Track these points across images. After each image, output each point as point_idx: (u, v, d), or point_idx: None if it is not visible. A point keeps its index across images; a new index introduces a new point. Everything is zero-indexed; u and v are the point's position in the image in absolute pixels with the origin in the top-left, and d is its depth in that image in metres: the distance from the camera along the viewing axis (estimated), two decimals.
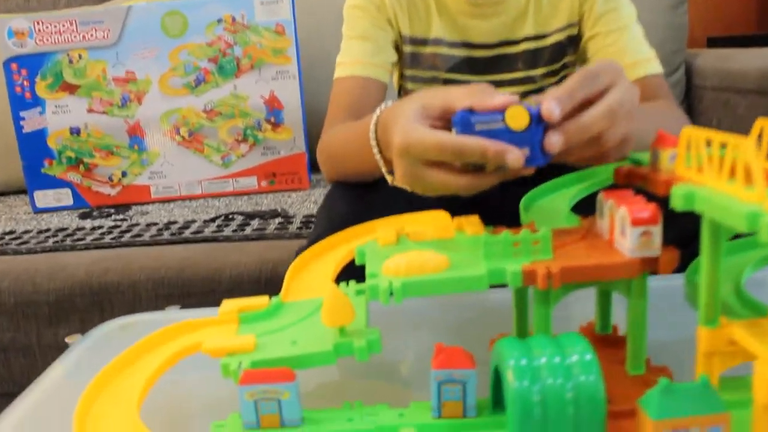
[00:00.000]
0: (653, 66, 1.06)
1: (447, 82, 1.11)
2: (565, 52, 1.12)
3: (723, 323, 0.46)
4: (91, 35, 1.61)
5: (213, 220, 1.43)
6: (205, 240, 1.29)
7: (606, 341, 0.57)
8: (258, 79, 1.62)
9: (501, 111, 0.57)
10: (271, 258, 1.18)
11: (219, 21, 1.60)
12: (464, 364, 0.45)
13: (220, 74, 1.62)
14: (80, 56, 1.62)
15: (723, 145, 0.44)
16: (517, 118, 0.57)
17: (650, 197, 0.49)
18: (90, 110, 1.63)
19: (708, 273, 0.45)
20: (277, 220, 1.38)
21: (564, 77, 1.12)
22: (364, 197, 0.91)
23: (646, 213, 0.46)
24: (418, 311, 0.74)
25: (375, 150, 0.80)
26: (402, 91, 1.18)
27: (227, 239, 1.29)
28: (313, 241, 0.92)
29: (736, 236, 0.56)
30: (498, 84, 1.08)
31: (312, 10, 1.83)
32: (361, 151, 0.83)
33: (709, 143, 0.46)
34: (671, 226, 0.51)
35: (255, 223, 1.37)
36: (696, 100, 1.90)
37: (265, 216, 1.42)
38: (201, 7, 1.60)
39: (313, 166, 1.71)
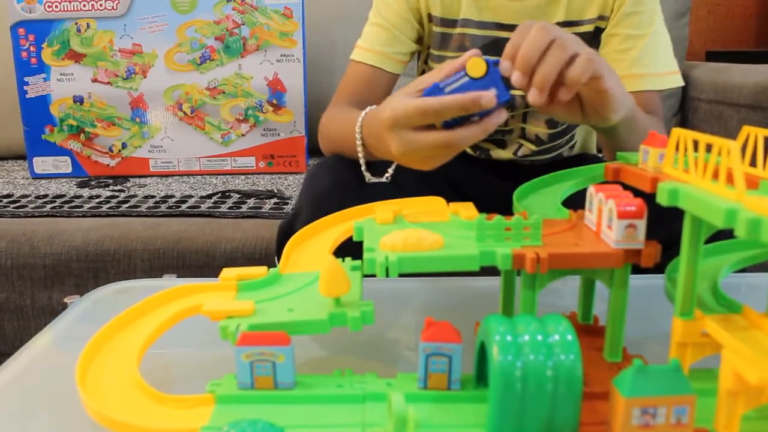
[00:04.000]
0: (653, 83, 1.08)
1: None
2: (591, 44, 1.10)
3: (697, 316, 0.49)
4: (101, 5, 1.62)
5: (210, 196, 1.45)
6: (201, 215, 1.31)
7: (587, 330, 0.59)
8: (263, 61, 1.63)
9: (463, 70, 0.69)
10: (266, 236, 1.20)
11: (228, 0, 1.61)
12: (452, 338, 0.47)
13: (226, 53, 1.63)
14: (88, 25, 1.63)
15: (709, 147, 0.46)
16: (476, 67, 0.68)
17: (638, 194, 0.52)
18: (94, 80, 1.65)
19: (686, 267, 0.48)
20: (273, 200, 1.40)
21: None
22: (346, 176, 0.93)
23: (632, 207, 0.49)
24: (411, 293, 0.77)
25: (359, 143, 0.88)
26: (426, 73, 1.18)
27: (223, 215, 1.31)
28: (294, 215, 0.95)
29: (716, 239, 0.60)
30: None
31: None
32: (352, 141, 0.90)
33: (696, 144, 0.48)
34: (656, 228, 0.54)
35: (251, 202, 1.39)
36: (690, 112, 1.93)
37: (262, 196, 1.44)
38: None
39: (311, 151, 1.73)
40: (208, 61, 1.64)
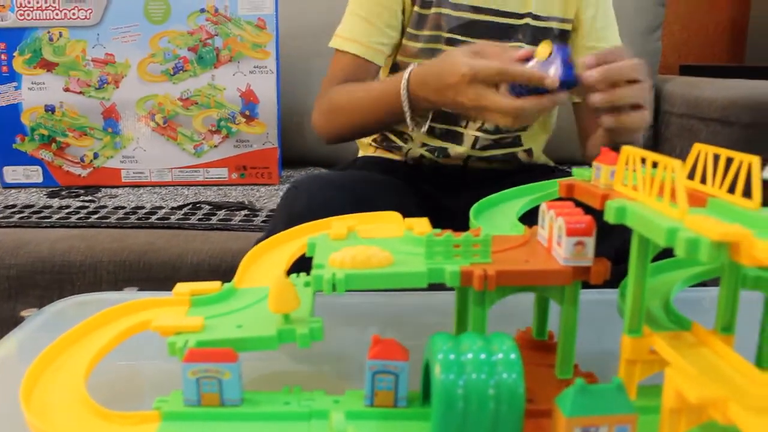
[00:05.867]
0: None
1: (448, 42, 1.18)
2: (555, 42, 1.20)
3: (646, 333, 0.49)
4: (74, 14, 1.61)
5: (180, 207, 1.44)
6: (170, 227, 1.30)
7: (540, 346, 0.59)
8: (236, 72, 1.63)
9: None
10: (234, 248, 1.20)
11: (202, 11, 1.61)
12: (398, 356, 0.47)
13: (199, 64, 1.63)
14: (61, 34, 1.62)
15: (657, 164, 0.46)
16: (544, 49, 0.87)
17: (590, 211, 0.52)
18: (66, 89, 1.64)
19: (634, 285, 0.48)
20: (244, 212, 1.39)
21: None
22: (321, 197, 0.95)
23: (581, 224, 0.49)
24: (369, 308, 0.76)
25: (404, 96, 1.01)
26: (400, 52, 1.23)
27: (192, 227, 1.30)
28: (269, 235, 0.96)
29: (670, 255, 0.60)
30: None
31: (295, 9, 1.85)
32: (378, 104, 1.07)
33: (644, 162, 0.48)
34: (610, 241, 0.54)
35: (221, 213, 1.39)
36: (663, 126, 1.94)
37: (232, 207, 1.43)
38: None
39: (285, 162, 1.73)
40: (181, 71, 1.63)
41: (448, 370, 0.42)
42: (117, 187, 1.68)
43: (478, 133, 1.22)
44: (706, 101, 1.72)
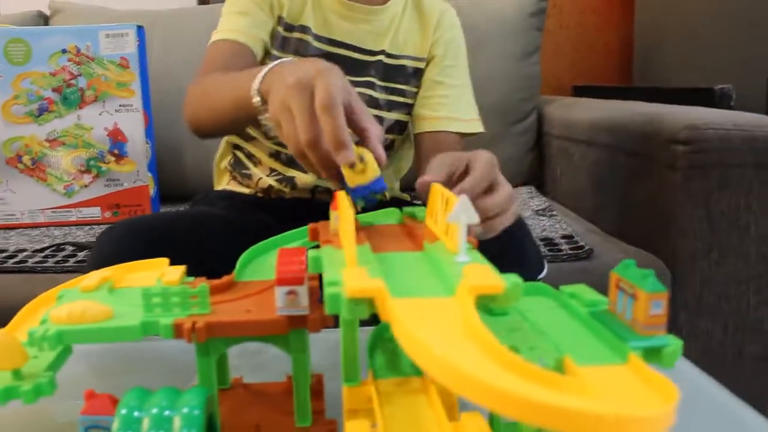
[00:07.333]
0: (463, 126, 1.25)
1: None
2: (408, 79, 1.28)
3: (366, 382, 0.50)
4: None
5: (42, 250, 1.41)
6: (23, 270, 1.28)
7: None
8: (102, 111, 1.62)
9: None
10: None
11: (64, 51, 1.60)
12: (108, 411, 0.47)
13: (64, 104, 1.61)
14: None
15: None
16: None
17: None
18: None
19: (346, 334, 0.49)
20: None
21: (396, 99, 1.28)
22: (129, 244, 0.94)
23: (290, 273, 0.50)
24: (165, 357, 0.76)
25: (255, 87, 0.83)
26: None
27: (45, 270, 1.28)
28: None
29: None
30: None
31: (167, 45, 1.85)
32: (235, 93, 0.89)
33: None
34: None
35: (82, 254, 1.37)
36: (546, 147, 1.98)
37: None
38: (46, 36, 1.60)
39: (163, 198, 1.72)
40: (46, 112, 1.61)
41: (127, 427, 0.42)
42: None
43: None
44: (575, 123, 1.76)
